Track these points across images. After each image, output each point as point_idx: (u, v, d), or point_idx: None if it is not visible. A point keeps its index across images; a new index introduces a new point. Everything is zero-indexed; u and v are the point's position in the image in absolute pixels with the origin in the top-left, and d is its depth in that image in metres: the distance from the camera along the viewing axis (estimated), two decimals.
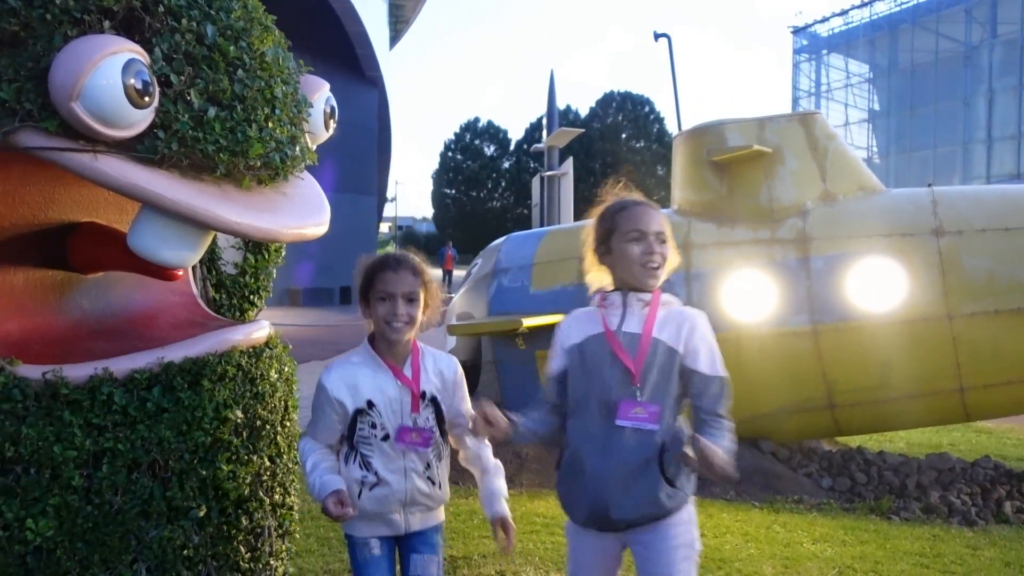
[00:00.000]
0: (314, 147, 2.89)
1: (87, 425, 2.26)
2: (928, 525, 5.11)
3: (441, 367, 2.58)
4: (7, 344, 2.35)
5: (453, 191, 59.03)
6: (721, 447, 2.23)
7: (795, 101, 47.85)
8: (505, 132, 59.35)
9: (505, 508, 2.60)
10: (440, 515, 2.63)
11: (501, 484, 2.64)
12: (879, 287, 5.70)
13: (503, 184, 58.18)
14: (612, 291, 2.45)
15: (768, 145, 6.08)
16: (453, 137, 59.90)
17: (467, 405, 2.60)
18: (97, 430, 2.27)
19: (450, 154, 59.47)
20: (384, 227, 60.84)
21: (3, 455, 2.18)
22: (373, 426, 2.45)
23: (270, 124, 2.43)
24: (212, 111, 2.25)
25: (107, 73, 2.03)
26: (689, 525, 2.38)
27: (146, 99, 2.12)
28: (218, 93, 2.28)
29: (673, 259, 2.47)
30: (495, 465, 2.66)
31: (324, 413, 2.48)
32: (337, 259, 22.77)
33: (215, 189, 2.31)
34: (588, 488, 2.33)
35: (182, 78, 2.22)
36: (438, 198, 60.39)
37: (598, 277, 2.54)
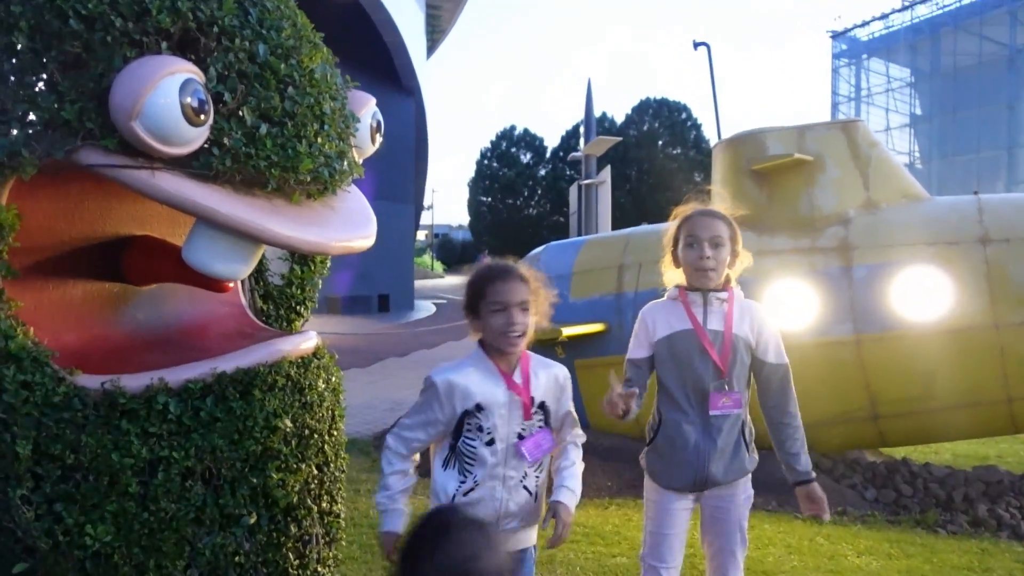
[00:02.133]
0: (360, 161, 2.95)
1: (143, 434, 2.31)
2: (976, 539, 5.03)
3: (555, 372, 2.61)
4: (67, 355, 2.42)
5: (489, 199, 59.22)
6: (802, 460, 2.78)
7: (835, 107, 47.29)
8: (541, 140, 59.45)
9: (568, 498, 2.53)
10: (532, 537, 2.62)
11: (576, 478, 2.59)
12: (924, 296, 5.63)
13: (539, 192, 58.24)
14: (693, 289, 2.77)
15: (809, 153, 6.04)
16: (489, 145, 60.12)
17: (571, 409, 2.65)
18: (153, 438, 2.33)
19: (486, 162, 59.70)
20: (421, 235, 61.21)
21: (64, 462, 2.25)
22: (480, 429, 2.47)
23: (319, 140, 2.48)
24: (264, 128, 2.31)
25: (165, 92, 2.10)
26: (748, 483, 2.84)
27: (201, 117, 2.18)
28: (269, 110, 2.34)
29: (744, 260, 2.85)
30: (577, 465, 2.62)
31: (429, 408, 2.50)
32: (375, 267, 22.97)
33: (266, 203, 2.36)
34: (691, 460, 2.72)
35: (235, 96, 2.28)
36: (474, 206, 60.63)
37: (674, 276, 2.89)
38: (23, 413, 2.22)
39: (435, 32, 32.92)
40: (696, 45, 10.71)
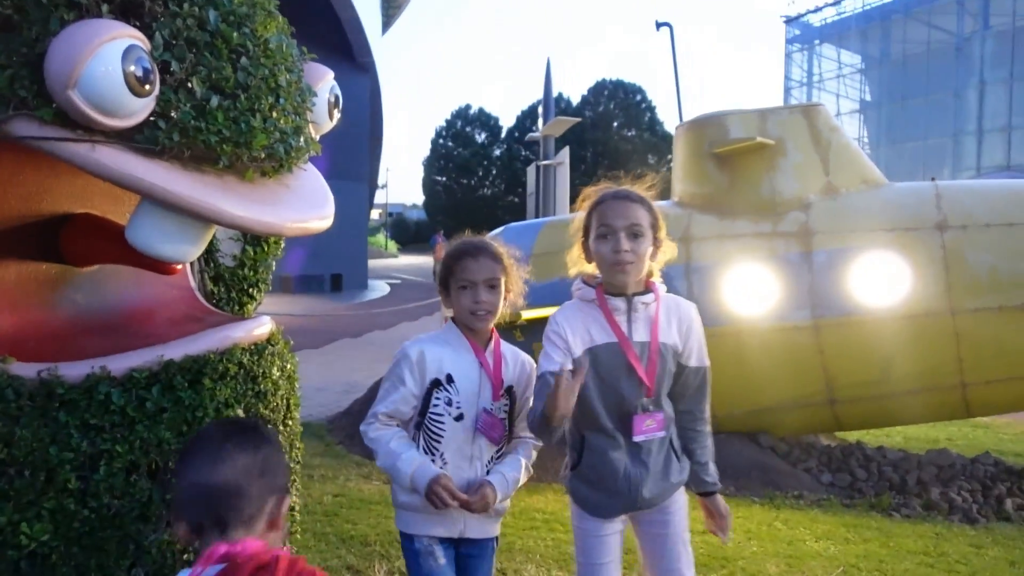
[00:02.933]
0: (318, 137, 2.81)
1: (84, 426, 2.17)
2: (930, 523, 5.08)
3: (523, 360, 2.56)
4: (0, 341, 2.26)
5: (444, 178, 58.82)
6: (711, 470, 2.54)
7: (787, 91, 47.79)
8: (496, 120, 59.14)
9: (498, 481, 2.42)
10: (496, 529, 2.56)
11: (518, 470, 2.49)
12: (882, 282, 5.65)
13: (494, 172, 58.02)
14: (613, 294, 2.39)
15: (770, 137, 6.00)
16: (444, 124, 59.67)
17: (531, 402, 2.52)
18: (94, 431, 2.18)
19: (441, 141, 59.24)
20: (375, 214, 60.62)
21: None
22: (448, 403, 2.40)
23: (274, 114, 2.34)
24: (215, 100, 2.16)
25: (106, 60, 1.94)
26: (683, 492, 2.55)
27: (146, 87, 2.02)
28: (221, 81, 2.19)
29: (667, 250, 2.46)
30: (525, 462, 2.53)
31: (401, 382, 2.42)
32: (328, 246, 22.61)
33: (217, 181, 2.22)
34: (621, 489, 2.40)
35: (183, 65, 2.13)
36: (429, 185, 60.17)
37: (583, 270, 2.52)
38: None
39: (390, 8, 32.39)
40: (659, 25, 10.63)
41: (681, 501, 2.54)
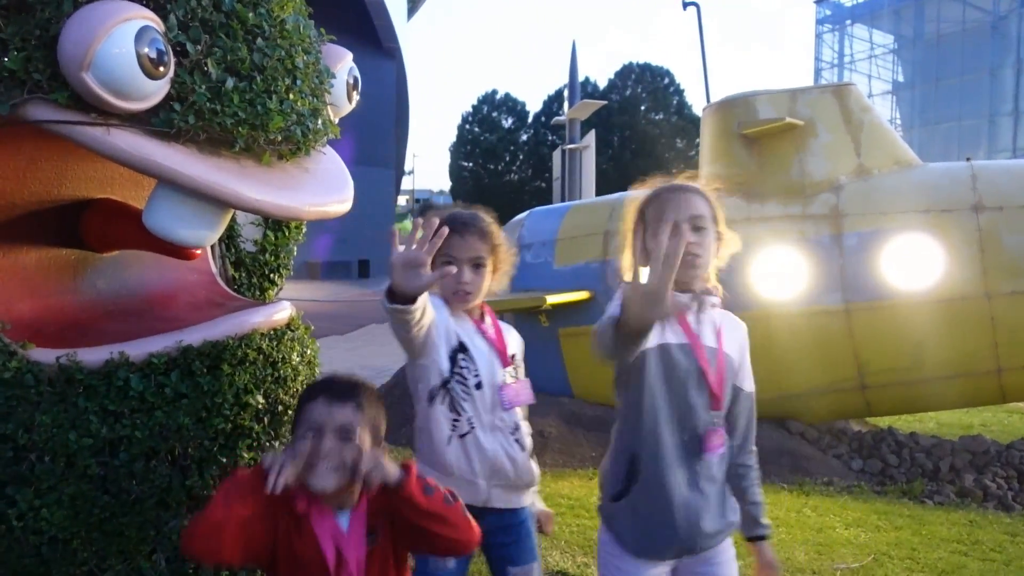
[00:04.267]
0: (337, 120, 2.77)
1: (103, 411, 2.15)
2: (964, 510, 4.98)
3: (513, 331, 2.52)
4: (20, 327, 2.25)
5: (470, 164, 58.66)
6: (759, 512, 2.24)
7: (817, 72, 47.08)
8: (523, 104, 58.80)
9: (538, 501, 2.50)
10: (526, 499, 2.45)
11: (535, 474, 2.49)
12: (915, 265, 5.54)
13: (521, 157, 57.76)
14: (681, 290, 2.07)
15: (800, 118, 5.89)
16: (471, 109, 59.49)
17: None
18: (113, 416, 2.17)
19: (467, 127, 59.04)
20: (402, 200, 60.76)
21: (16, 442, 2.09)
22: (469, 370, 2.34)
23: (291, 96, 2.30)
24: (230, 82, 2.13)
25: (119, 41, 1.91)
26: (734, 560, 2.23)
27: (161, 69, 1.99)
28: (236, 63, 2.15)
29: (730, 243, 2.17)
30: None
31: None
32: (355, 232, 22.72)
33: (234, 165, 2.19)
34: (679, 521, 2.07)
35: (199, 47, 2.09)
36: (455, 171, 60.06)
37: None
38: None
39: None
40: (685, 5, 10.47)
41: (732, 551, 2.22)
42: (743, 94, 6.22)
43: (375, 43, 24.45)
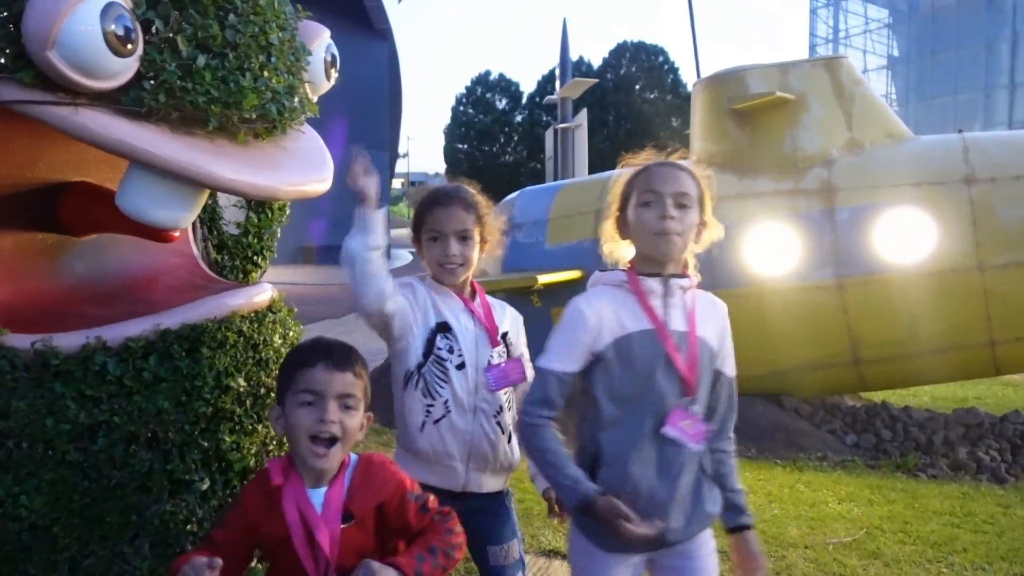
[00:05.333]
0: (315, 98, 2.73)
1: (80, 397, 2.13)
2: (957, 483, 4.99)
3: (508, 309, 2.48)
4: None
5: (465, 146, 58.45)
6: (741, 500, 2.13)
7: (812, 48, 46.85)
8: (517, 85, 58.50)
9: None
10: (505, 483, 2.45)
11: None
12: (907, 238, 5.52)
13: (516, 138, 57.54)
14: (649, 274, 2.04)
15: (791, 92, 5.85)
16: (464, 91, 59.20)
17: (526, 353, 2.45)
18: (91, 402, 2.14)
19: (461, 108, 58.78)
20: (397, 183, 60.54)
21: None
22: (451, 351, 2.29)
23: (265, 73, 2.26)
24: (202, 59, 2.09)
25: (84, 19, 1.87)
26: (715, 553, 2.15)
27: (128, 46, 1.96)
28: (208, 39, 2.11)
29: (712, 231, 2.10)
30: None
31: (407, 288, 2.34)
32: (350, 215, 22.62)
33: (208, 144, 2.15)
34: (643, 514, 1.95)
35: (168, 24, 2.05)
36: (450, 153, 59.84)
37: (616, 250, 2.19)
38: None
39: None
40: None
41: (711, 545, 2.13)
42: (734, 69, 6.17)
43: (366, 25, 24.27)
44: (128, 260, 2.80)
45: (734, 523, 2.11)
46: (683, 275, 2.06)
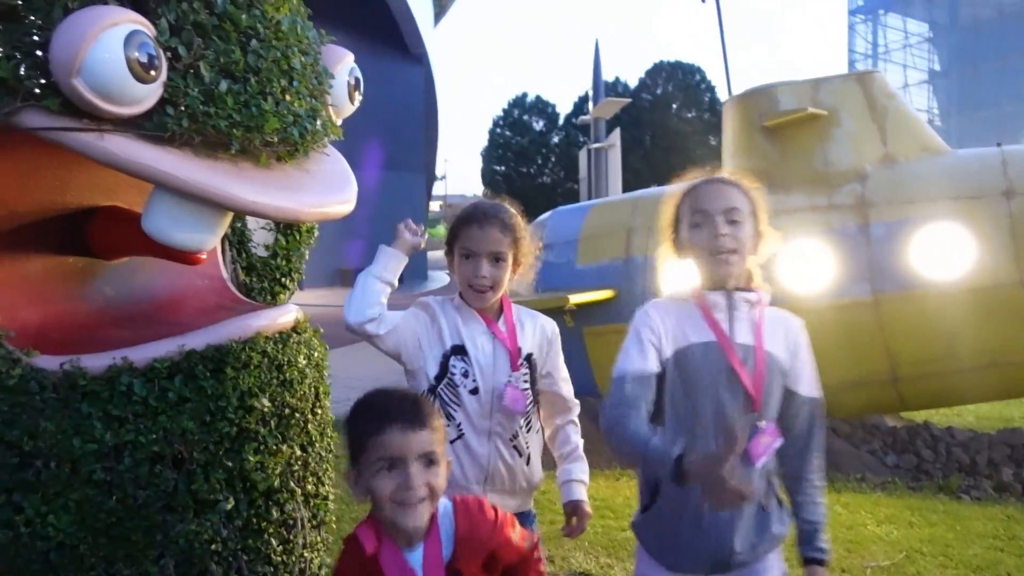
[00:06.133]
0: (340, 121, 2.76)
1: (106, 417, 2.16)
2: (1001, 505, 4.85)
3: (541, 323, 2.43)
4: (25, 334, 2.26)
5: (503, 167, 58.73)
6: (826, 538, 2.03)
7: (851, 64, 46.43)
8: (554, 106, 58.74)
9: (582, 494, 2.41)
10: (527, 503, 2.43)
11: (583, 469, 2.46)
12: (945, 253, 5.40)
13: (552, 159, 57.71)
14: (713, 290, 2.02)
15: (823, 107, 5.79)
16: (501, 113, 59.57)
17: (562, 366, 2.43)
18: (117, 422, 2.17)
19: (499, 130, 59.13)
20: (435, 205, 61.01)
21: (22, 449, 2.10)
22: (465, 375, 2.29)
23: (287, 97, 2.29)
24: (224, 84, 2.13)
25: (108, 46, 1.91)
26: (780, 554, 2.11)
27: (152, 73, 2.00)
28: (230, 65, 2.15)
29: (771, 241, 2.08)
30: (579, 448, 2.48)
31: (415, 318, 2.37)
32: (386, 238, 22.79)
33: (230, 167, 2.18)
34: (708, 534, 1.96)
35: (191, 50, 2.10)
36: (488, 175, 60.16)
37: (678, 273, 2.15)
38: None
39: None
40: None
41: (779, 567, 2.09)
42: (764, 85, 6.14)
43: (402, 49, 24.55)
44: (157, 283, 2.85)
45: (806, 555, 2.04)
46: (748, 289, 2.04)
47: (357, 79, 2.77)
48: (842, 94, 5.88)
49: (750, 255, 2.03)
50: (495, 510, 1.80)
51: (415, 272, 26.82)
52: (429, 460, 1.67)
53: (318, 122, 2.46)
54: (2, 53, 1.93)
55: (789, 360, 2.05)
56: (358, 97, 2.80)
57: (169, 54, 2.06)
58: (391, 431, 1.65)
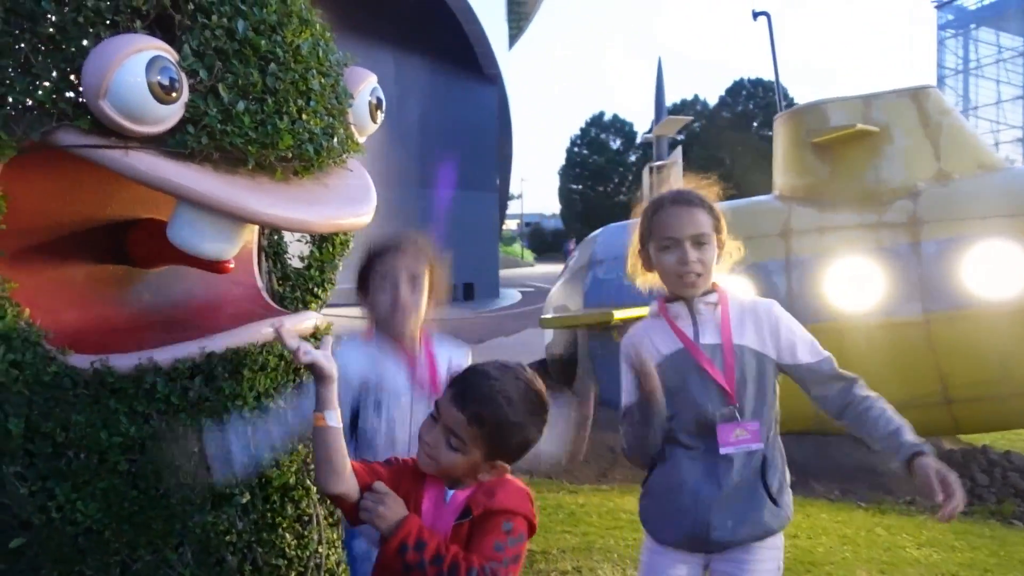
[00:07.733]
0: (363, 139, 2.90)
1: (132, 412, 2.33)
2: None
3: (451, 355, 2.51)
4: (63, 334, 2.46)
5: (579, 186, 58.93)
6: (900, 435, 2.04)
7: (940, 80, 45.05)
8: (631, 125, 58.83)
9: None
10: None
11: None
12: (999, 272, 5.26)
13: (630, 178, 57.62)
14: (672, 300, 2.22)
15: (875, 123, 5.72)
16: (578, 132, 59.79)
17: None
18: (141, 417, 2.34)
19: (576, 149, 59.37)
20: (512, 224, 61.43)
21: (55, 440, 2.29)
22: (377, 407, 2.39)
23: (304, 116, 2.44)
24: (241, 104, 2.28)
25: (132, 70, 2.09)
26: (778, 551, 2.22)
27: (172, 95, 2.17)
28: (248, 86, 2.31)
29: (732, 252, 2.26)
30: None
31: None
32: (459, 255, 23.05)
33: (248, 181, 2.34)
34: (687, 509, 2.14)
35: (212, 73, 2.26)
36: (565, 194, 60.41)
37: (647, 280, 2.36)
38: (14, 392, 2.26)
39: (518, 19, 32.84)
40: (756, 15, 10.26)
41: (774, 560, 2.20)
42: (815, 102, 6.09)
43: (477, 70, 24.93)
44: (193, 290, 3.04)
45: (904, 455, 2.02)
46: (708, 291, 2.20)
47: (379, 99, 2.92)
48: (895, 110, 5.80)
49: (713, 270, 2.20)
50: (518, 497, 1.87)
51: (487, 290, 27.06)
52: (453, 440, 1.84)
53: (335, 139, 2.60)
54: (43, 79, 2.14)
55: (769, 342, 2.18)
56: (380, 116, 2.94)
57: (191, 78, 2.24)
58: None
